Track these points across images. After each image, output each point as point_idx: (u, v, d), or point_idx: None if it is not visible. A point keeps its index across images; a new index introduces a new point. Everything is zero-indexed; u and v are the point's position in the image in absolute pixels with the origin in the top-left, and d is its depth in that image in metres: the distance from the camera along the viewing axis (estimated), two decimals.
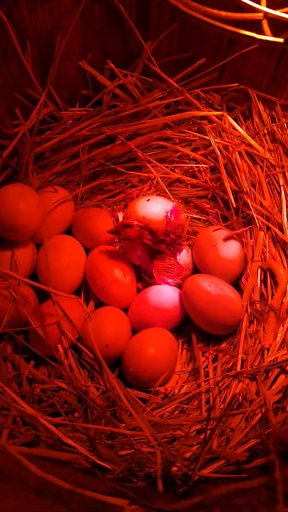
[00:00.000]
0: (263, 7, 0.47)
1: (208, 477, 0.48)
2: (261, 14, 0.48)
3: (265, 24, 0.47)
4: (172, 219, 0.72)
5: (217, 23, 0.39)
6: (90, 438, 0.52)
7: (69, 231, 0.79)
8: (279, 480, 0.29)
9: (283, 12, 0.47)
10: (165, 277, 0.73)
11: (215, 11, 0.46)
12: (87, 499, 0.36)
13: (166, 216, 0.72)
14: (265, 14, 0.47)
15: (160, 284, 0.74)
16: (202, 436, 0.57)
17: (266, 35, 0.46)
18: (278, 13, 0.46)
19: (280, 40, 0.37)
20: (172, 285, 0.73)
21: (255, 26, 0.51)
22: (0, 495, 0.32)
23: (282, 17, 0.46)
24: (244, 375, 0.61)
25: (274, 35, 0.48)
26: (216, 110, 0.79)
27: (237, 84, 0.77)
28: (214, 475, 0.47)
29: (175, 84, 0.77)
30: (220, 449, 0.51)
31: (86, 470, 0.50)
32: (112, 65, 0.77)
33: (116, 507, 0.36)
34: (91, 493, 0.36)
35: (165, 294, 0.73)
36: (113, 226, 0.74)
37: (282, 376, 0.59)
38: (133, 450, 0.53)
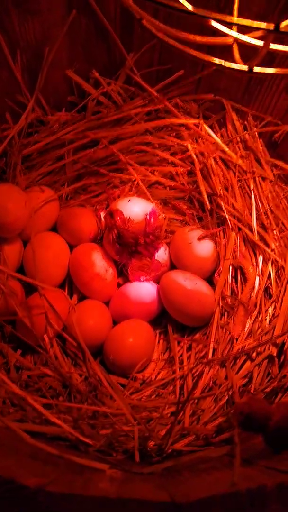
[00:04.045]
0: (233, 33, 0.53)
1: (180, 450, 0.54)
2: (231, 39, 0.54)
3: (235, 49, 0.53)
4: (152, 220, 0.78)
5: (190, 51, 0.44)
6: (74, 417, 0.57)
7: (54, 229, 0.83)
8: (238, 442, 0.35)
9: (252, 37, 0.53)
10: (138, 275, 0.78)
11: (191, 37, 0.52)
12: (73, 463, 0.41)
13: (145, 218, 0.78)
14: (235, 39, 0.53)
15: (133, 281, 0.79)
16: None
17: (236, 59, 0.52)
18: (247, 38, 0.52)
19: (245, 68, 0.42)
20: (142, 282, 0.79)
21: (229, 48, 0.57)
22: None
23: (251, 43, 0.52)
24: (215, 362, 0.67)
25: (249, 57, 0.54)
26: (193, 118, 0.85)
27: (212, 95, 0.83)
28: (185, 448, 0.53)
29: (155, 93, 0.83)
30: (191, 426, 0.56)
31: (70, 445, 0.55)
32: (96, 74, 0.82)
33: (97, 470, 0.41)
34: (76, 458, 0.41)
35: (143, 289, 0.78)
36: (110, 205, 0.80)
37: (248, 363, 0.66)
38: (113, 429, 0.59)
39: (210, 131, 0.83)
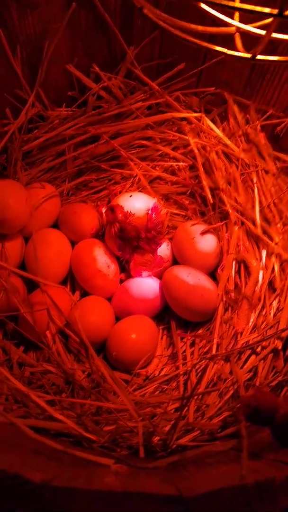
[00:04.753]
0: (235, 22, 0.52)
1: (185, 446, 0.53)
2: (233, 29, 0.53)
3: (237, 38, 0.53)
4: (154, 216, 0.77)
5: (192, 39, 0.43)
6: (78, 413, 0.57)
7: (55, 225, 0.83)
8: (245, 435, 0.35)
9: (254, 27, 0.52)
10: (140, 271, 0.78)
11: (193, 26, 0.51)
12: (77, 458, 0.41)
13: (147, 213, 0.77)
14: (237, 28, 0.52)
15: (135, 277, 0.78)
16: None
17: (238, 48, 0.52)
18: (249, 27, 0.52)
19: (248, 55, 0.42)
20: (143, 278, 0.78)
21: (230, 38, 0.56)
22: (1, 451, 0.36)
23: (253, 31, 0.51)
24: (219, 357, 0.67)
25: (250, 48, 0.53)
26: (195, 111, 0.84)
27: (213, 88, 0.83)
28: (191, 443, 0.52)
29: (156, 87, 0.82)
30: (196, 421, 0.56)
31: (74, 441, 0.55)
32: (97, 68, 0.81)
33: (102, 465, 0.41)
34: (81, 453, 0.41)
35: (146, 285, 0.78)
36: (112, 200, 0.79)
37: (253, 357, 0.65)
38: (117, 425, 0.58)
39: (212, 124, 0.83)
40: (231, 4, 0.38)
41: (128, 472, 0.38)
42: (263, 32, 0.50)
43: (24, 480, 0.28)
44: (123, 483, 0.32)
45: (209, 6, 0.52)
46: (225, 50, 0.44)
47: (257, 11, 0.39)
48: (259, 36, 0.50)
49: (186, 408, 0.58)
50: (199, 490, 0.30)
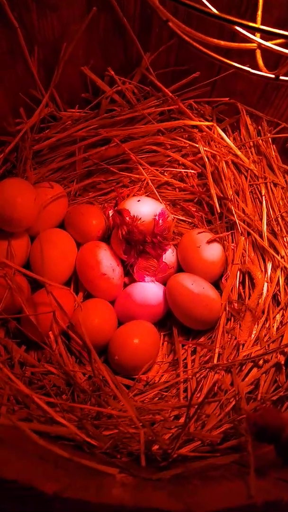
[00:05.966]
0: (257, 38, 0.53)
1: (186, 456, 0.53)
2: (255, 45, 0.53)
3: (258, 55, 0.53)
4: (160, 222, 0.77)
5: (218, 57, 0.44)
6: (79, 417, 0.57)
7: (61, 226, 0.83)
8: (251, 453, 0.35)
9: (274, 44, 0.53)
10: (143, 275, 0.78)
11: (215, 41, 0.51)
12: (82, 466, 0.41)
13: (154, 219, 0.77)
14: (259, 44, 0.53)
15: (139, 281, 0.79)
16: (179, 421, 0.63)
17: (259, 65, 0.52)
18: (270, 44, 0.52)
19: (272, 75, 0.42)
20: (146, 282, 0.79)
21: (247, 51, 0.57)
22: (10, 459, 0.37)
23: (275, 48, 0.51)
24: (220, 367, 0.67)
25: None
26: (207, 120, 0.85)
27: (227, 98, 0.83)
28: (191, 454, 0.53)
29: (170, 94, 0.83)
30: (197, 431, 0.56)
31: (75, 446, 0.55)
32: (112, 72, 0.81)
33: (107, 474, 0.41)
34: (86, 461, 0.41)
35: (149, 290, 0.78)
36: (118, 204, 0.79)
37: (254, 370, 0.66)
38: (117, 431, 0.59)
39: (222, 134, 0.83)
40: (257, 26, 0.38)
41: (134, 483, 0.38)
42: (283, 49, 0.50)
43: (38, 492, 0.28)
44: (133, 497, 0.33)
45: (231, 26, 0.52)
46: (248, 68, 0.44)
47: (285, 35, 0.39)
48: (279, 53, 0.51)
49: (188, 417, 0.59)
50: (208, 507, 0.31)
